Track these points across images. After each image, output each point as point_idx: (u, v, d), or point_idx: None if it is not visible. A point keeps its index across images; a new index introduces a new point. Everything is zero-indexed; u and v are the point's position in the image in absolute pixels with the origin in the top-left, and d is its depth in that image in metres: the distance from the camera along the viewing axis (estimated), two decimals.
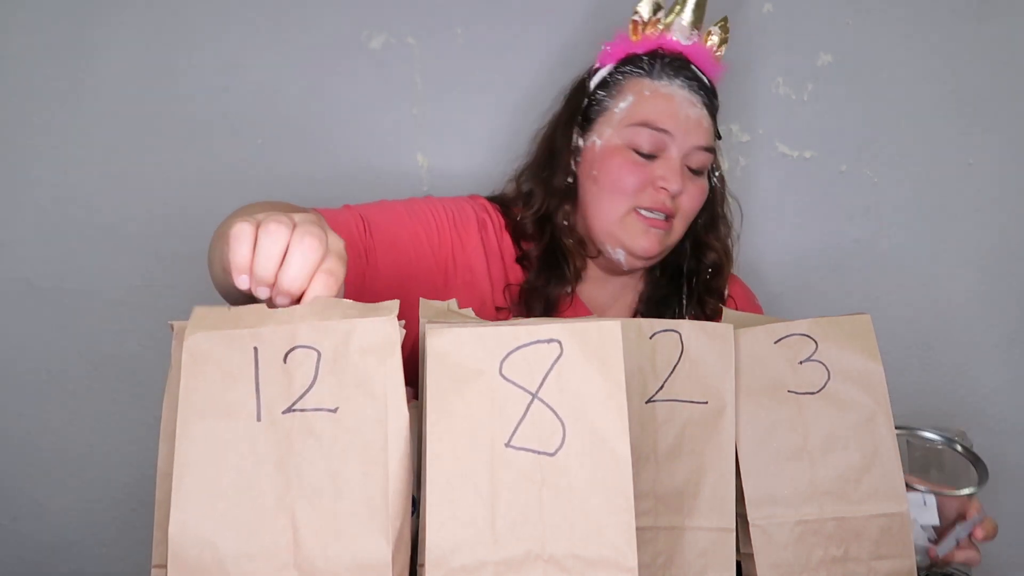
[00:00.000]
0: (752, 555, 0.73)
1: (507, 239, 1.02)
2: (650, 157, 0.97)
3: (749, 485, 0.73)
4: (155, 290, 1.32)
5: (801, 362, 0.75)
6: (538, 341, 0.59)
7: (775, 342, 0.75)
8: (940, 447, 0.86)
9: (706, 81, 1.00)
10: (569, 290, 1.01)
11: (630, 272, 1.07)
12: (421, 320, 0.68)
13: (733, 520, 0.72)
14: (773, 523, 0.72)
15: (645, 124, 0.97)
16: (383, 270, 0.91)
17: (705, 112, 0.99)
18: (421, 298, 0.71)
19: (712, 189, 1.06)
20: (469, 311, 0.75)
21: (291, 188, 1.36)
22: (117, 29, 1.32)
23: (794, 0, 1.42)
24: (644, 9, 1.00)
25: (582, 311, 1.05)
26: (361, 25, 1.37)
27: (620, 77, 1.01)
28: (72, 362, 1.31)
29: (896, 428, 0.75)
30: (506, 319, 0.96)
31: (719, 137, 1.07)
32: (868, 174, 1.42)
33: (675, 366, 0.72)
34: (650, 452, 0.71)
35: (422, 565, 0.59)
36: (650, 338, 0.71)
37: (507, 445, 0.59)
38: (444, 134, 1.38)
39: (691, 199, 0.99)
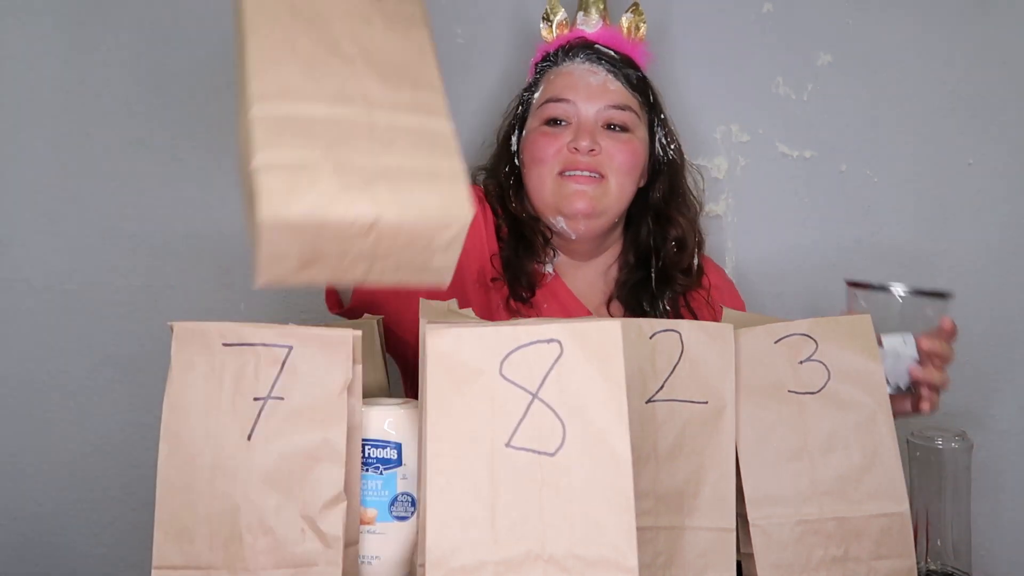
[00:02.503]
0: (752, 555, 0.73)
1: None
2: (561, 126, 1.06)
3: (749, 485, 0.73)
4: (155, 290, 1.32)
5: (801, 362, 0.75)
6: (538, 341, 0.60)
7: (775, 342, 0.75)
8: (891, 294, 0.89)
9: (611, 54, 1.09)
10: (545, 268, 1.09)
11: (592, 250, 1.12)
12: (421, 320, 0.69)
13: (733, 520, 0.72)
14: (773, 523, 0.72)
15: (550, 100, 1.07)
16: None
17: (610, 77, 1.08)
18: (421, 298, 0.72)
19: (669, 162, 1.13)
20: (469, 311, 0.76)
21: None
22: (117, 29, 1.32)
23: (794, 0, 1.42)
24: (548, 15, 1.13)
25: (562, 291, 1.10)
26: None
27: (538, 75, 1.13)
28: (72, 362, 1.31)
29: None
30: (500, 289, 1.04)
31: (652, 101, 1.12)
32: (868, 174, 1.42)
33: (675, 366, 0.72)
34: (650, 452, 0.71)
35: (422, 565, 0.59)
36: (650, 338, 0.71)
37: (507, 445, 0.59)
38: None
39: (617, 154, 1.04)
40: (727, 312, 0.82)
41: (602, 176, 1.04)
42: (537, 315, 1.05)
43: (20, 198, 1.31)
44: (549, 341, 0.60)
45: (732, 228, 1.42)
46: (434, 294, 0.97)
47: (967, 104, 1.42)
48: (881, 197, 1.42)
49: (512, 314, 1.04)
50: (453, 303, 0.75)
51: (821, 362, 0.75)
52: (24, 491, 1.30)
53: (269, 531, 0.62)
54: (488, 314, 1.03)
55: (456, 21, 1.39)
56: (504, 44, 1.38)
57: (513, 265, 1.06)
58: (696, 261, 1.13)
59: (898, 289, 0.88)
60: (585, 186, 1.03)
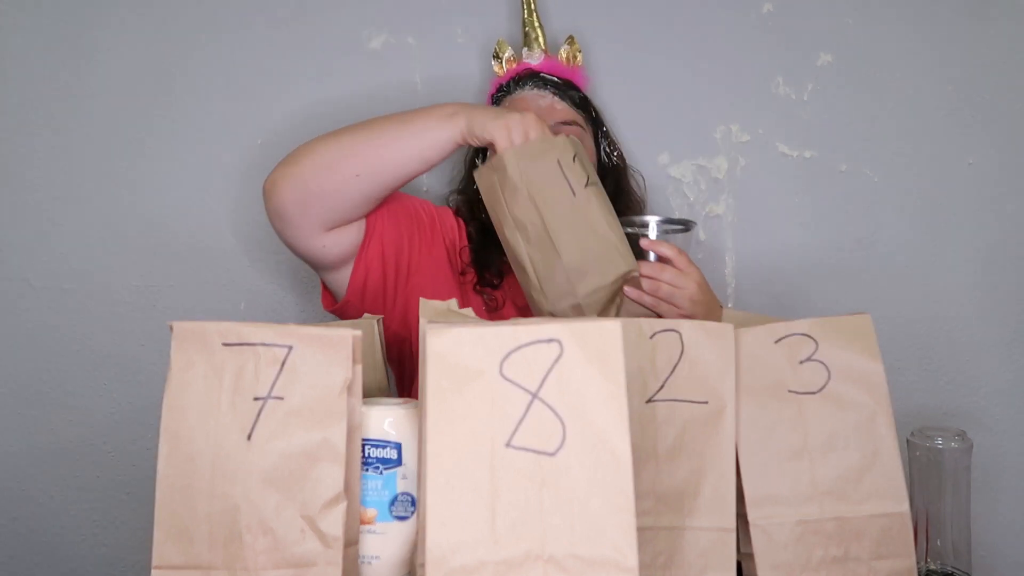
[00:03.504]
0: (752, 555, 0.73)
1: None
2: None
3: (749, 485, 0.73)
4: (155, 290, 1.33)
5: (801, 362, 0.75)
6: (538, 341, 0.59)
7: (775, 342, 0.75)
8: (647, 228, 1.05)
9: (555, 80, 1.25)
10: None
11: None
12: (421, 320, 0.69)
13: (733, 520, 0.72)
14: (773, 523, 0.72)
15: None
16: (390, 225, 1.12)
17: (556, 99, 1.24)
18: (421, 298, 0.73)
19: (614, 167, 1.28)
20: (469, 311, 0.76)
21: None
22: (117, 29, 1.33)
23: (794, 0, 1.42)
24: (497, 54, 1.29)
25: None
26: (361, 25, 1.37)
27: (495, 104, 1.28)
28: (72, 362, 1.31)
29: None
30: (469, 279, 1.18)
31: (594, 116, 1.27)
32: (868, 174, 1.42)
33: (675, 366, 0.72)
34: (650, 452, 0.71)
35: (422, 565, 0.59)
36: (650, 338, 0.71)
37: (507, 445, 0.59)
38: None
39: None
40: (727, 312, 0.82)
41: None
42: (503, 297, 1.18)
43: (20, 198, 1.31)
44: (549, 341, 0.59)
45: (732, 228, 1.42)
46: (433, 283, 1.13)
47: (967, 104, 1.42)
48: (881, 197, 1.42)
49: (478, 295, 1.18)
50: (453, 303, 0.75)
51: (821, 362, 0.74)
52: (24, 491, 1.30)
53: (269, 531, 0.62)
54: (464, 295, 1.17)
55: (456, 21, 1.39)
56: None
57: (481, 257, 1.19)
58: None
59: (652, 221, 1.05)
60: None
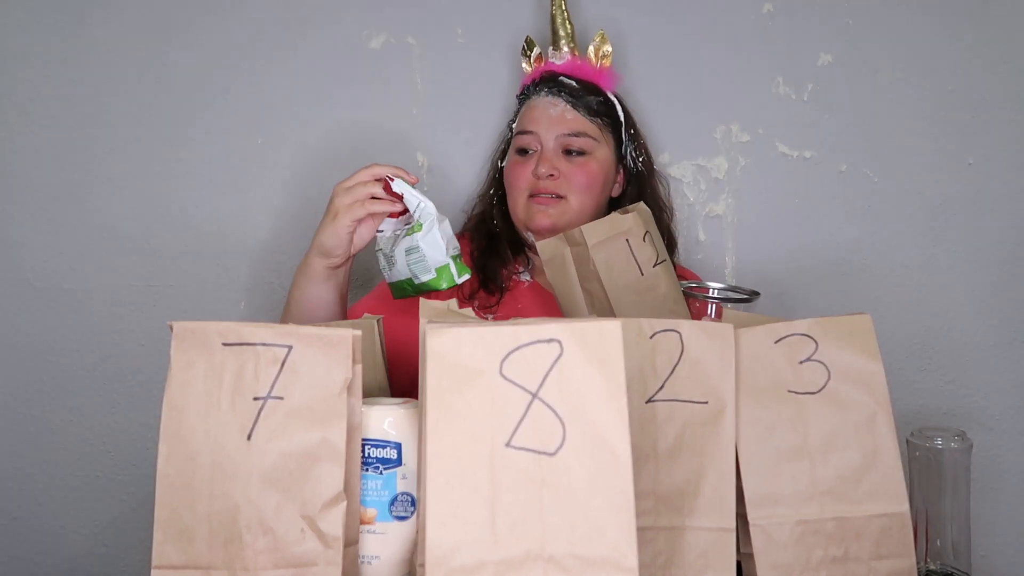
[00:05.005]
0: (752, 555, 0.73)
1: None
2: (529, 155, 1.20)
3: (749, 485, 0.73)
4: (155, 290, 1.33)
5: (801, 362, 0.75)
6: (538, 341, 0.59)
7: (775, 342, 0.75)
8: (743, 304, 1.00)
9: (573, 84, 1.22)
10: (522, 276, 1.23)
11: None
12: (421, 320, 0.69)
13: (733, 520, 0.72)
14: (773, 523, 0.72)
15: (520, 132, 1.23)
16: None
17: (568, 107, 1.20)
18: (421, 298, 0.73)
19: (638, 173, 1.27)
20: (469, 311, 0.76)
21: (291, 188, 1.36)
22: (117, 29, 1.33)
23: (794, 0, 1.42)
24: (526, 51, 1.27)
25: (542, 293, 1.21)
26: (361, 25, 1.37)
27: (519, 107, 1.27)
28: (72, 362, 1.31)
29: None
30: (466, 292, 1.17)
31: (619, 119, 1.24)
32: (868, 174, 1.42)
33: (675, 366, 0.72)
34: (650, 452, 0.71)
35: (422, 565, 0.59)
36: (650, 338, 0.71)
37: (507, 445, 0.59)
38: (444, 134, 1.38)
39: (576, 176, 1.18)
40: (727, 312, 0.82)
41: (562, 197, 1.17)
42: (499, 305, 1.19)
43: (20, 198, 1.31)
44: (549, 341, 0.59)
45: (732, 228, 1.42)
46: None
47: (967, 104, 1.42)
48: (881, 197, 1.42)
49: (480, 306, 1.17)
50: (453, 303, 0.75)
51: (821, 362, 0.74)
52: (24, 491, 1.30)
53: (269, 531, 0.62)
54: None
55: (456, 21, 1.39)
56: (504, 44, 1.38)
57: (484, 268, 1.20)
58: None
59: (713, 287, 1.01)
60: (547, 206, 1.17)
